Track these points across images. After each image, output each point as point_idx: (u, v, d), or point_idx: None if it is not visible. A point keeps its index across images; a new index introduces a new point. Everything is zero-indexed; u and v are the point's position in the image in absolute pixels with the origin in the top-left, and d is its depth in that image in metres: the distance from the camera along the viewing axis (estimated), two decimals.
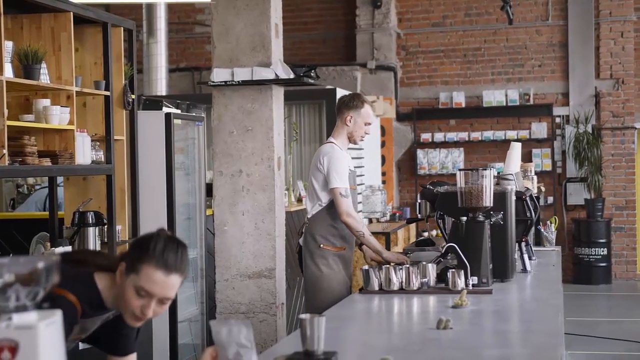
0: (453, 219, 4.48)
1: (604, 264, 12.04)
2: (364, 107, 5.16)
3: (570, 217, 12.45)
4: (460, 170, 4.41)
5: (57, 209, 5.52)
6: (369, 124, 5.21)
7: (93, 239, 5.30)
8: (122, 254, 2.64)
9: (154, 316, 2.60)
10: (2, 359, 1.69)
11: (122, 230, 5.71)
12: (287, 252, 6.08)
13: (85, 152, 5.17)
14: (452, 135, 12.62)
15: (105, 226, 5.44)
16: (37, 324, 1.71)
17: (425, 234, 12.14)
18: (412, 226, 10.96)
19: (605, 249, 12.03)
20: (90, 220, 5.30)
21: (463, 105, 12.63)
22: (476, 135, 12.54)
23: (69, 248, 5.07)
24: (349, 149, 5.31)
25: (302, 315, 2.72)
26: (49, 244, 5.32)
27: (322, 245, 5.09)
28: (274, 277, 5.61)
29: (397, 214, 10.87)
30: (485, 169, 4.37)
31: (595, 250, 12.01)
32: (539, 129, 12.41)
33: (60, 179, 5.89)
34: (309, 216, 5.19)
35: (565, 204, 12.48)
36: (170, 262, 2.53)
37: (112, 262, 2.67)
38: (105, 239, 5.46)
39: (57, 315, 1.77)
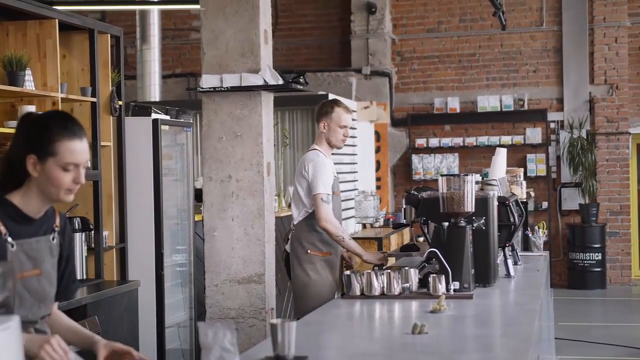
0: (435, 224, 4.50)
1: (598, 269, 12.05)
2: (334, 111, 5.26)
3: (564, 222, 12.47)
4: (442, 175, 4.43)
5: None
6: (344, 126, 5.27)
7: (80, 245, 5.31)
8: (18, 153, 2.66)
9: (80, 184, 2.69)
10: None
11: (109, 236, 5.73)
12: (277, 258, 6.09)
13: None
14: (447, 141, 12.64)
15: (92, 232, 5.46)
16: None
17: (421, 239, 12.16)
18: (406, 231, 10.97)
19: (600, 254, 12.03)
20: (77, 226, 5.31)
21: (458, 110, 12.65)
22: (471, 140, 12.56)
23: None
24: (333, 154, 5.36)
25: (273, 320, 2.74)
26: None
27: (309, 251, 5.15)
28: (264, 282, 5.62)
29: (391, 219, 10.89)
30: (467, 175, 4.39)
31: (589, 255, 12.01)
32: (534, 134, 12.42)
33: None
34: (295, 222, 5.27)
35: (560, 209, 12.50)
36: (76, 130, 2.68)
37: (13, 177, 2.70)
38: (92, 245, 5.48)
39: (13, 321, 1.79)
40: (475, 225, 4.44)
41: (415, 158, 12.71)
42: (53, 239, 2.78)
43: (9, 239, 2.62)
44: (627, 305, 11.25)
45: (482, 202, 4.50)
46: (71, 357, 2.58)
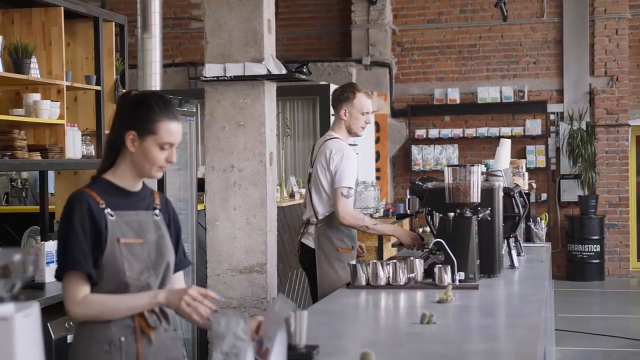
0: (441, 215, 4.49)
1: (597, 261, 12.08)
2: (355, 97, 5.05)
3: (563, 213, 12.48)
4: (448, 166, 4.42)
5: (47, 203, 5.53)
6: (366, 113, 5.08)
7: None
8: (119, 129, 2.81)
9: (172, 162, 2.85)
10: None
11: None
12: (279, 247, 6.10)
13: (75, 146, 5.19)
14: (447, 132, 12.65)
15: None
16: (14, 315, 1.73)
17: (420, 230, 12.16)
18: (406, 222, 10.99)
19: (599, 245, 12.06)
20: None
21: (458, 101, 12.66)
22: (471, 131, 12.57)
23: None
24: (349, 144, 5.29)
25: None
26: (39, 237, 5.33)
27: (339, 249, 4.98)
28: (266, 272, 5.63)
29: (391, 209, 10.90)
30: (473, 166, 4.38)
31: (588, 247, 12.04)
32: (534, 125, 12.43)
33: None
34: (319, 217, 5.03)
35: (559, 201, 12.52)
36: (174, 112, 2.84)
37: (110, 157, 2.84)
38: None
39: (34, 307, 1.79)
40: (480, 215, 4.44)
41: (414, 149, 12.72)
42: (156, 215, 2.89)
43: (108, 210, 2.76)
44: (625, 297, 11.29)
45: (487, 193, 4.50)
46: (216, 297, 2.72)
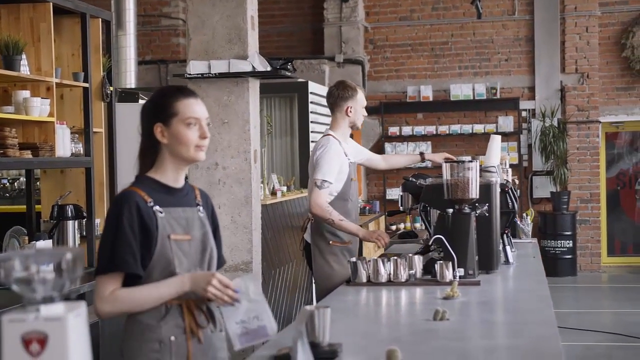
0: (439, 211, 4.49)
1: (569, 256, 12.19)
2: (358, 93, 5.19)
3: (536, 209, 12.57)
4: (446, 162, 4.42)
5: (34, 202, 5.44)
6: (364, 106, 5.25)
7: (72, 233, 5.23)
8: (147, 130, 2.81)
9: (207, 138, 2.80)
10: (31, 351, 1.66)
11: (101, 223, 5.64)
12: (263, 246, 6.07)
13: (65, 144, 5.11)
14: (420, 129, 12.67)
15: (85, 220, 5.38)
16: (66, 315, 1.69)
17: (393, 227, 12.18)
18: (382, 219, 11.01)
19: (571, 241, 12.17)
20: (70, 214, 5.23)
21: (430, 99, 12.69)
22: (444, 128, 12.61)
23: (49, 242, 5.00)
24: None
25: (308, 307, 2.71)
26: (26, 237, 5.24)
27: (331, 242, 5.04)
28: (251, 270, 5.62)
29: (367, 207, 10.92)
30: (472, 161, 4.39)
31: (560, 243, 12.14)
32: (506, 122, 12.51)
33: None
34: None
35: (532, 197, 12.61)
36: (189, 91, 2.86)
37: (147, 159, 2.83)
38: (84, 233, 5.40)
39: (82, 307, 1.75)
40: (478, 211, 4.44)
41: (388, 146, 12.73)
42: (200, 212, 2.87)
43: (157, 207, 2.75)
44: (597, 292, 11.41)
45: (485, 189, 4.51)
46: (237, 283, 2.70)
